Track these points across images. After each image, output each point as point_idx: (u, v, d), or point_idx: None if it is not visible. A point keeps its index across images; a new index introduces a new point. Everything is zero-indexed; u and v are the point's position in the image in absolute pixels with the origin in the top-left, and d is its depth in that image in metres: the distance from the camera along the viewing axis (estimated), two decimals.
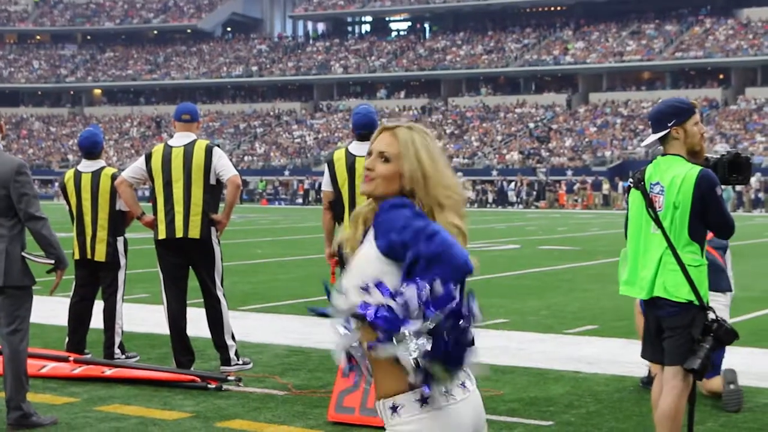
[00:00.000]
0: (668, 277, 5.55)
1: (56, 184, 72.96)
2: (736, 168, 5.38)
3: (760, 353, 9.71)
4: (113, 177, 8.98)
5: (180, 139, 8.67)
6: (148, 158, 8.67)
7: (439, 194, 3.19)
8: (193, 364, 8.59)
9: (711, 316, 5.56)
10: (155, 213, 8.60)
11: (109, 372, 8.26)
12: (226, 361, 8.64)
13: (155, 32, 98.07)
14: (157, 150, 8.70)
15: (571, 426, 6.86)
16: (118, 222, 9.13)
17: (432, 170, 3.20)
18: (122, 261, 9.17)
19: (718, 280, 7.84)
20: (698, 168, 5.57)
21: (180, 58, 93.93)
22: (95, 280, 9.22)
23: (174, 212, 8.48)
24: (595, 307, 12.37)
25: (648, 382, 8.14)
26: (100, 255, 9.05)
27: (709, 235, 7.85)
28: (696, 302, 5.51)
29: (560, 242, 25.96)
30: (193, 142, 8.60)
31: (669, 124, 5.53)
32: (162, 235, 8.53)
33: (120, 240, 9.15)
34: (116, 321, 9.08)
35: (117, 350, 9.07)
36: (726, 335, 5.54)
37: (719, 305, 7.85)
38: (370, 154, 3.27)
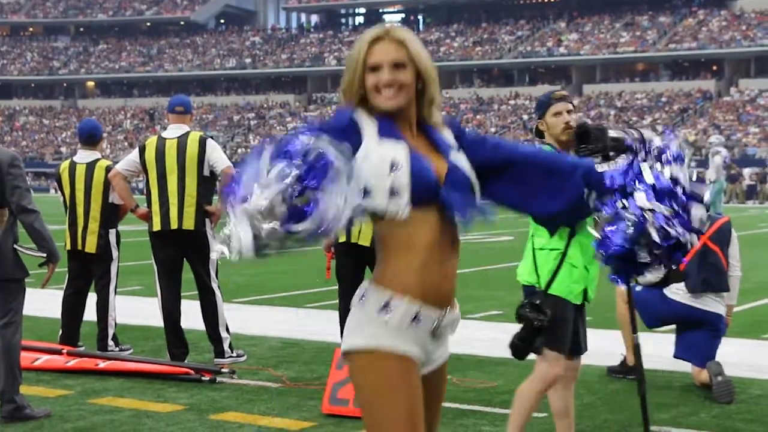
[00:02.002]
0: (523, 261, 5.60)
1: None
2: (585, 138, 5.27)
3: (753, 344, 9.72)
4: (107, 169, 8.96)
5: (173, 131, 8.65)
6: (142, 150, 8.65)
7: (436, 89, 3.23)
8: (187, 356, 8.58)
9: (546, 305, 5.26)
10: (149, 205, 8.58)
11: (102, 364, 8.24)
12: (220, 353, 8.64)
13: (148, 24, 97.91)
14: (151, 142, 8.68)
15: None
16: (111, 214, 9.11)
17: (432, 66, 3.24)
18: (114, 253, 9.16)
19: (720, 282, 7.85)
20: None
21: (173, 50, 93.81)
22: (87, 272, 9.20)
23: (168, 204, 8.47)
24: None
25: (619, 371, 8.16)
26: (91, 247, 9.03)
27: (712, 229, 7.87)
28: (538, 285, 5.40)
29: None
30: (187, 134, 8.59)
31: (537, 119, 5.63)
32: (157, 227, 8.52)
33: (112, 232, 9.13)
34: (109, 313, 9.06)
35: (111, 342, 9.06)
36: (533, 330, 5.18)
37: (719, 305, 7.88)
38: (373, 68, 3.15)
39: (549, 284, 5.28)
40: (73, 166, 9.19)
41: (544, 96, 5.65)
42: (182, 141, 8.53)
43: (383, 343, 3.07)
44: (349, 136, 3.03)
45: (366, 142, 3.07)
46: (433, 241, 3.09)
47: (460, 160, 3.19)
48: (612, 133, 5.15)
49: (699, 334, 7.77)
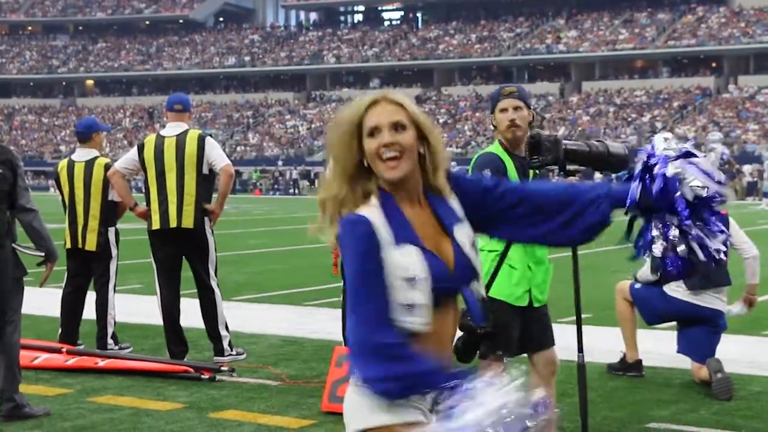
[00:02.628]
0: None
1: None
2: (536, 149, 5.16)
3: (753, 341, 9.72)
4: (106, 167, 8.96)
5: (172, 129, 8.64)
6: (141, 149, 8.65)
7: (441, 150, 3.06)
8: (187, 354, 8.58)
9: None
10: (148, 204, 8.57)
11: (102, 363, 8.24)
12: (219, 351, 8.63)
13: (147, 22, 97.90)
14: (150, 140, 8.68)
15: (565, 414, 6.86)
16: (110, 212, 9.10)
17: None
18: (113, 251, 9.15)
19: (719, 277, 7.84)
20: (475, 154, 5.60)
21: (172, 48, 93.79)
22: (87, 270, 9.19)
23: (167, 202, 8.46)
24: (588, 296, 12.34)
25: (619, 368, 8.16)
26: (91, 245, 9.02)
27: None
28: None
29: None
30: (186, 132, 8.58)
31: (490, 113, 5.58)
32: (156, 226, 8.51)
33: (111, 230, 9.12)
34: (108, 311, 9.06)
35: (110, 341, 9.05)
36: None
37: (719, 301, 7.87)
38: (371, 133, 2.97)
39: (488, 287, 5.14)
40: (71, 165, 9.19)
41: (495, 91, 5.57)
42: (181, 139, 8.53)
43: (387, 419, 2.94)
44: (373, 248, 2.91)
45: (385, 254, 2.91)
46: (445, 334, 3.03)
47: (462, 233, 3.05)
48: (570, 146, 5.08)
49: (698, 331, 7.77)
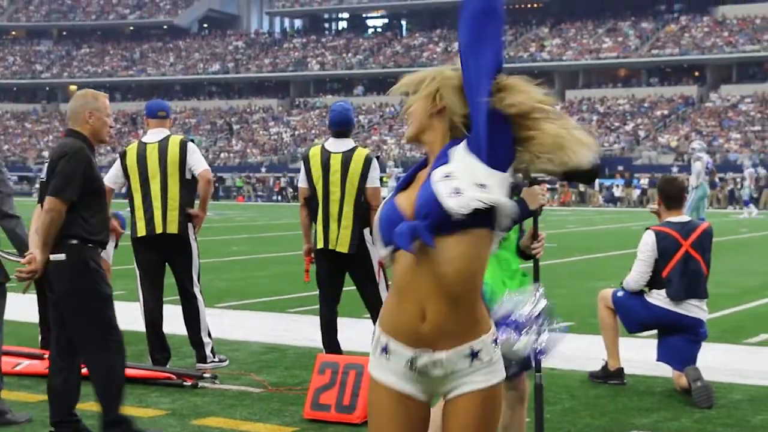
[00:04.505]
0: None
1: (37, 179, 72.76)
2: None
3: (734, 349, 9.76)
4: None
5: (154, 135, 8.64)
6: (123, 156, 8.63)
7: (457, 104, 3.30)
8: (169, 361, 8.57)
9: None
10: (132, 211, 8.56)
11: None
12: (202, 358, 8.63)
13: (131, 28, 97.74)
14: (131, 148, 8.66)
15: (547, 422, 6.87)
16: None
17: None
18: None
19: (699, 289, 7.88)
20: None
21: (156, 54, 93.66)
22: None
23: (152, 209, 8.45)
24: (572, 303, 12.40)
25: (601, 376, 8.18)
26: None
27: (693, 236, 7.90)
28: None
29: None
30: (167, 138, 8.58)
31: None
32: (141, 233, 8.49)
33: None
34: None
35: None
36: None
37: (701, 310, 7.91)
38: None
39: None
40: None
41: None
42: (163, 145, 8.53)
43: (370, 367, 3.25)
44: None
45: None
46: (405, 282, 3.13)
47: (442, 170, 3.11)
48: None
49: (679, 339, 7.81)
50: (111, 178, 8.57)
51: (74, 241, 6.09)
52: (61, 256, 6.07)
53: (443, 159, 3.14)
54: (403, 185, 3.24)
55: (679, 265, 7.79)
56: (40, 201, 6.33)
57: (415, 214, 3.08)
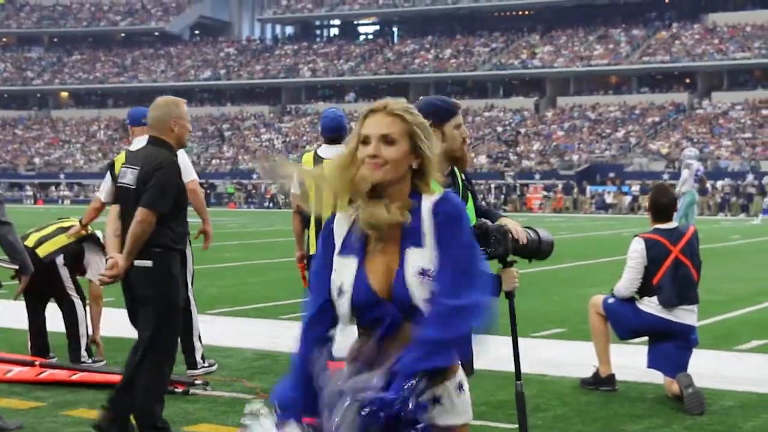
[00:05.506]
0: None
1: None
2: (483, 240, 4.79)
3: (725, 356, 9.77)
4: None
5: (141, 143, 8.55)
6: (112, 167, 8.51)
7: (436, 168, 3.18)
8: None
9: None
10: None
11: (75, 376, 8.21)
12: (192, 365, 8.60)
13: (122, 35, 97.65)
14: (120, 158, 8.55)
15: (538, 429, 6.88)
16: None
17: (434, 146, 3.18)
18: (62, 272, 9.09)
19: (690, 294, 7.90)
20: None
21: (148, 61, 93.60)
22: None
23: None
24: (563, 310, 12.42)
25: (592, 383, 8.18)
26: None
27: (682, 242, 7.93)
28: None
29: None
30: None
31: (432, 123, 5.10)
32: None
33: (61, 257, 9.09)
34: (79, 325, 9.02)
35: (83, 353, 9.00)
36: None
37: (691, 316, 7.93)
38: (364, 141, 3.12)
39: None
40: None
41: (444, 102, 5.06)
42: None
43: None
44: (327, 250, 3.20)
45: (334, 258, 3.18)
46: (374, 352, 3.08)
47: (415, 258, 3.07)
48: (520, 238, 4.93)
49: (670, 345, 7.82)
50: (104, 192, 8.46)
51: (159, 249, 6.26)
52: (148, 263, 6.23)
53: (415, 232, 3.09)
54: (358, 240, 3.15)
55: (669, 272, 7.82)
56: (115, 203, 6.60)
57: (394, 302, 3.07)
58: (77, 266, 9.20)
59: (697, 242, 8.06)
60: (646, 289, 7.92)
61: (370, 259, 3.13)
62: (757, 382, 8.47)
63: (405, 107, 3.18)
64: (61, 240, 9.06)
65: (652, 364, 7.93)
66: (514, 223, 5.02)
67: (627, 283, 8.00)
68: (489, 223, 4.87)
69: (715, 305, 13.10)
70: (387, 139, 3.09)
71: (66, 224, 9.23)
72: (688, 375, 7.53)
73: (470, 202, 5.12)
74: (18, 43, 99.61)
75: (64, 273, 9.09)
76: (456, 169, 5.08)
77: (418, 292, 3.04)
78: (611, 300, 8.14)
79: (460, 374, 3.20)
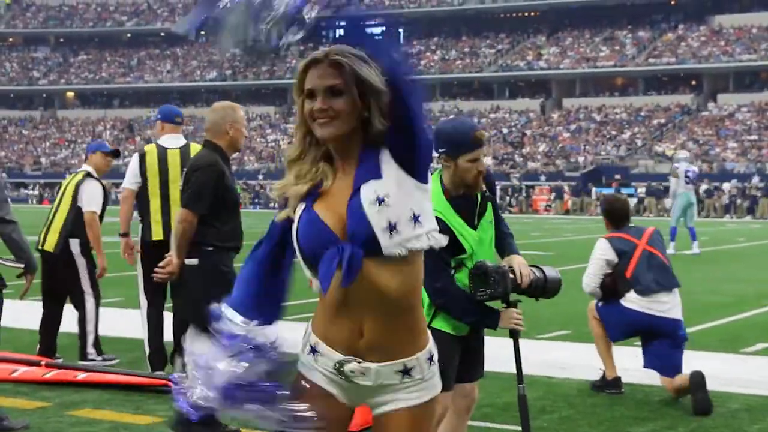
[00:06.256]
0: None
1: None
2: (483, 281, 4.74)
3: (731, 358, 9.76)
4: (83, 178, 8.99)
5: (173, 140, 8.57)
6: (143, 158, 8.52)
7: (382, 113, 2.98)
8: (166, 365, 8.54)
9: None
10: (148, 213, 8.45)
11: (81, 376, 8.21)
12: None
13: (128, 35, 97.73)
14: (151, 150, 8.56)
15: (544, 431, 6.88)
16: (79, 221, 9.06)
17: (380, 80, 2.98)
18: (79, 261, 9.10)
19: (669, 279, 7.95)
20: None
21: (154, 61, 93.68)
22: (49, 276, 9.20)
23: (171, 214, 8.36)
24: (568, 312, 12.40)
25: (600, 386, 8.19)
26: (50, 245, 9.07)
27: (645, 235, 8.00)
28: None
29: (534, 247, 26.01)
30: (188, 146, 8.56)
31: (440, 150, 4.83)
32: (158, 236, 8.37)
33: (75, 242, 9.08)
34: (87, 322, 9.05)
35: (90, 350, 8.99)
36: None
37: (675, 307, 7.96)
38: (309, 95, 2.99)
39: (432, 318, 4.88)
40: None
41: (464, 135, 4.83)
42: (185, 152, 8.48)
43: (298, 364, 3.17)
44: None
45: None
46: (339, 300, 3.01)
47: (371, 189, 2.95)
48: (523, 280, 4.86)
49: (661, 345, 7.84)
50: (129, 179, 8.52)
51: (208, 248, 6.57)
52: (194, 261, 6.54)
53: (371, 169, 2.97)
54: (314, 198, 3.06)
55: (642, 261, 7.94)
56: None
57: (348, 237, 2.95)
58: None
59: (660, 238, 8.20)
60: (624, 285, 7.98)
61: (321, 200, 3.03)
62: (764, 385, 8.45)
63: (348, 53, 3.01)
64: (58, 224, 9.08)
65: (648, 364, 7.96)
66: (520, 262, 4.99)
67: (587, 279, 8.19)
68: (488, 263, 4.81)
69: (721, 308, 13.08)
70: (334, 90, 2.96)
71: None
72: (701, 374, 7.50)
73: (489, 213, 5.06)
74: (24, 43, 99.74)
75: (81, 262, 9.08)
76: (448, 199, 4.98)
77: (376, 220, 2.91)
78: (601, 303, 8.20)
79: (431, 344, 3.13)
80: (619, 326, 8.07)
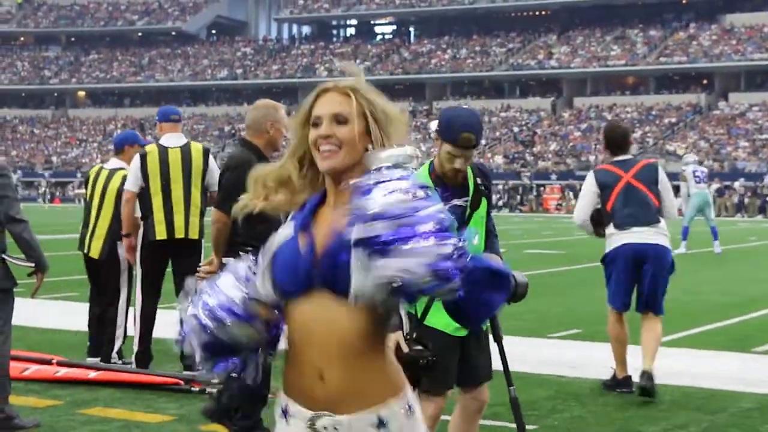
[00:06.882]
0: None
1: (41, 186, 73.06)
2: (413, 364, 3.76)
3: (743, 358, 9.73)
4: (124, 179, 8.88)
5: (173, 139, 8.59)
6: (144, 158, 8.53)
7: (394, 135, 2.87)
8: (151, 363, 8.52)
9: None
10: (150, 213, 8.45)
11: (92, 375, 8.22)
12: (189, 367, 8.34)
13: (139, 34, 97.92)
14: (152, 150, 8.58)
15: (555, 430, 6.88)
16: (118, 225, 9.01)
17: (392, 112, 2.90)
18: (123, 264, 9.06)
19: (648, 215, 7.99)
20: None
21: (164, 60, 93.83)
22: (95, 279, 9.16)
23: (173, 213, 8.38)
24: (579, 311, 12.39)
25: (611, 385, 8.17)
26: (95, 252, 9.00)
27: (634, 169, 8.05)
28: (415, 313, 4.74)
29: (545, 246, 26.00)
30: (188, 144, 8.58)
31: (441, 137, 4.94)
32: (162, 236, 8.39)
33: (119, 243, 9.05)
34: (117, 327, 8.99)
35: (114, 355, 8.94)
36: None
37: (659, 236, 8.02)
38: (315, 123, 2.86)
39: (424, 315, 4.73)
40: (98, 171, 9.23)
41: (450, 125, 4.90)
42: (185, 150, 8.50)
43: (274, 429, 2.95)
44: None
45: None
46: (300, 338, 2.77)
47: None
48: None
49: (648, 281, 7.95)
50: (131, 181, 8.51)
51: (247, 248, 6.35)
52: (231, 260, 6.36)
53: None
54: (304, 226, 2.88)
55: (620, 196, 8.01)
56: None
57: (322, 258, 2.73)
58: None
59: (653, 171, 8.12)
60: (606, 218, 8.07)
61: (310, 227, 2.86)
62: None
63: (357, 84, 2.90)
64: (102, 230, 9.03)
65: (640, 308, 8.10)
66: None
67: (576, 211, 8.30)
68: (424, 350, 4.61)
69: (733, 307, 13.05)
70: (339, 118, 2.84)
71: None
72: (650, 374, 7.63)
73: (482, 208, 5.09)
74: (35, 43, 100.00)
75: (125, 266, 9.02)
76: (470, 170, 5.05)
77: (352, 261, 2.61)
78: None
79: (409, 394, 2.78)
80: (613, 275, 8.19)
